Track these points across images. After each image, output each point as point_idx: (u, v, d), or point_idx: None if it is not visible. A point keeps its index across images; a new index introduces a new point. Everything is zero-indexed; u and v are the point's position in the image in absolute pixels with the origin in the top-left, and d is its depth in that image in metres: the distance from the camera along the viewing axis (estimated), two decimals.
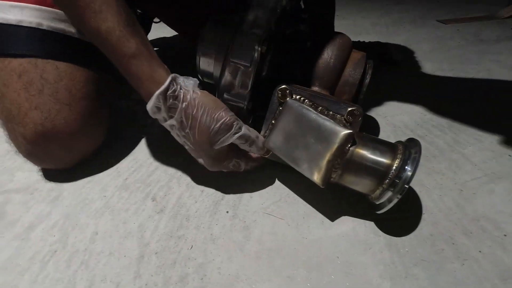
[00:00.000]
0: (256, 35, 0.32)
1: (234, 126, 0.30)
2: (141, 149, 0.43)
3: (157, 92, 0.28)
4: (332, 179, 0.29)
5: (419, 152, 0.27)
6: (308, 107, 0.30)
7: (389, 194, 0.27)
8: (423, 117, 0.47)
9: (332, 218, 0.31)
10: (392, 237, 0.29)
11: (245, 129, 0.31)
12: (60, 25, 0.36)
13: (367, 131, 0.43)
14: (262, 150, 0.33)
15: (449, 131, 0.43)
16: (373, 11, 1.10)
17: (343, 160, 0.28)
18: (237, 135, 0.31)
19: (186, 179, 0.37)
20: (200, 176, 0.37)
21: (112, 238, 0.30)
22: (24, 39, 0.34)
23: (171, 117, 0.30)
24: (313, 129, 0.29)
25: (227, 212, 0.33)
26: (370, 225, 0.31)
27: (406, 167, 0.26)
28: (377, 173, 0.27)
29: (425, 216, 0.31)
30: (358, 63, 0.36)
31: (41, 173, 0.39)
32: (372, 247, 0.28)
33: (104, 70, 0.39)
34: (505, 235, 0.29)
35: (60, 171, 0.39)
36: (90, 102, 0.37)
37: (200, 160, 0.34)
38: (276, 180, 0.36)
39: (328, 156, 0.28)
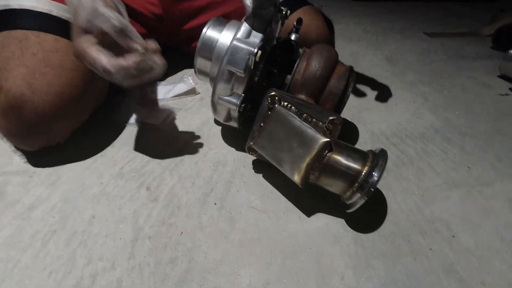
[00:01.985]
0: (251, 44, 0.35)
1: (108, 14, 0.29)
2: (136, 141, 0.46)
3: None
4: (310, 180, 0.33)
5: (385, 161, 0.31)
6: (293, 114, 0.34)
7: (358, 195, 0.31)
8: (399, 126, 0.52)
9: (309, 214, 0.35)
10: (359, 233, 0.33)
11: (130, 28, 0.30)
12: (67, 14, 0.38)
13: (347, 135, 0.47)
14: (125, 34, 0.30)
15: (419, 141, 0.48)
16: (365, 17, 1.14)
17: (320, 164, 0.32)
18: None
19: (178, 171, 0.41)
20: (192, 169, 0.41)
21: (108, 222, 0.33)
22: (33, 19, 0.37)
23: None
24: (297, 134, 0.32)
25: (215, 203, 0.36)
26: (341, 221, 0.35)
27: (374, 173, 0.30)
28: (349, 177, 0.31)
29: (389, 216, 0.36)
30: (342, 75, 0.39)
31: (38, 158, 0.41)
32: (341, 241, 0.33)
33: None
34: (453, 236, 0.33)
35: (57, 157, 0.41)
36: (76, 79, 0.38)
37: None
38: (261, 177, 0.40)
39: (307, 159, 0.31)
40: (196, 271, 0.29)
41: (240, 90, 0.37)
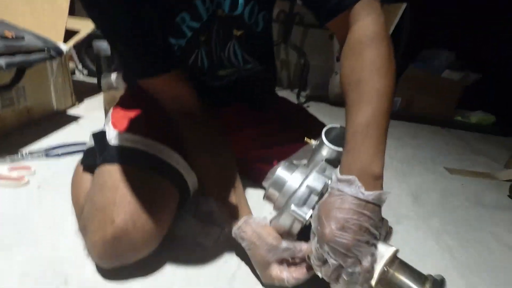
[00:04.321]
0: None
1: (280, 247, 0.42)
2: (188, 260, 0.51)
3: (234, 227, 0.46)
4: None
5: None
6: None
7: None
8: None
9: None
10: None
11: (287, 246, 0.42)
12: (169, 157, 0.48)
13: None
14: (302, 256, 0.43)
15: None
16: (391, 141, 1.26)
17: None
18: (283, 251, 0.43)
19: None
20: None
21: None
22: (142, 158, 0.47)
23: (243, 239, 0.45)
24: None
25: None
26: None
27: None
28: None
29: None
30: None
31: (101, 269, 0.46)
32: None
33: (187, 197, 0.49)
34: None
35: (114, 272, 0.46)
36: (169, 216, 0.47)
37: (257, 271, 0.46)
38: None
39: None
40: None
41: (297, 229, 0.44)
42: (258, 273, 0.47)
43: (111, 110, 0.57)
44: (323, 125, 0.67)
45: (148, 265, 0.48)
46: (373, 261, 0.36)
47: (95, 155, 0.49)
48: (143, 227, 0.43)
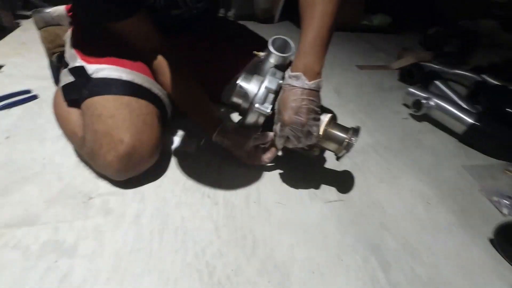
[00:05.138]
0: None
1: (252, 138, 0.59)
2: (183, 164, 0.65)
3: (214, 134, 0.57)
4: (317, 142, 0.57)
5: (358, 131, 0.57)
6: None
7: (344, 151, 0.57)
8: None
9: (311, 199, 0.61)
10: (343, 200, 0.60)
11: (256, 136, 0.60)
12: (147, 84, 0.56)
13: None
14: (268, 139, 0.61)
15: (362, 154, 0.77)
16: None
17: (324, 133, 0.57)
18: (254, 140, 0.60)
19: (223, 183, 0.62)
20: (231, 183, 0.62)
21: (195, 219, 0.53)
22: (127, 87, 0.54)
23: (222, 141, 0.58)
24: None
25: (254, 202, 0.59)
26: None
27: (353, 138, 0.56)
28: (341, 139, 0.57)
29: (352, 194, 0.63)
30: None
31: (121, 183, 0.57)
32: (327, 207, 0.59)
33: (165, 115, 0.60)
34: (383, 207, 0.63)
35: (134, 180, 0.58)
36: (157, 133, 0.57)
37: (241, 160, 0.63)
38: (277, 183, 0.64)
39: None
40: (258, 239, 0.52)
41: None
42: (242, 160, 0.64)
43: (70, 47, 0.58)
44: (263, 38, 0.81)
45: (153, 172, 0.60)
46: (318, 128, 0.55)
47: (77, 89, 0.53)
48: (147, 142, 0.53)
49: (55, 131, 0.65)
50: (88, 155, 0.54)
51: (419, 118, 0.98)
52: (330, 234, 0.55)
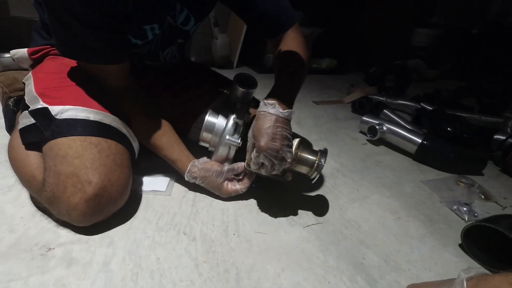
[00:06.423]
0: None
1: (224, 171, 0.60)
2: (154, 203, 0.61)
3: (186, 173, 0.57)
4: (289, 167, 0.59)
5: (326, 154, 0.59)
6: None
7: (316, 173, 0.58)
8: None
9: (291, 226, 0.60)
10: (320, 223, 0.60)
11: (229, 167, 0.61)
12: (115, 124, 0.55)
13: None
14: (243, 170, 0.63)
15: (331, 178, 0.81)
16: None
17: (296, 157, 0.58)
18: (227, 172, 0.61)
19: (199, 219, 0.59)
20: (207, 216, 0.60)
21: (171, 259, 0.49)
22: (94, 127, 0.52)
23: (195, 178, 0.59)
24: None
25: (234, 234, 0.57)
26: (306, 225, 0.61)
27: (322, 160, 0.58)
28: (311, 163, 0.59)
29: (329, 216, 0.64)
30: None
31: (86, 229, 0.52)
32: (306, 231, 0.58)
33: (133, 154, 0.59)
34: (359, 226, 0.64)
35: (100, 225, 0.53)
36: (129, 169, 0.55)
37: (217, 193, 0.63)
38: (254, 212, 0.63)
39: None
40: (241, 270, 0.49)
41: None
42: (217, 193, 0.63)
43: (32, 88, 0.55)
44: (225, 77, 0.86)
45: (122, 215, 0.56)
46: (291, 153, 0.57)
47: (38, 132, 0.50)
48: (117, 182, 0.51)
49: (6, 180, 0.58)
50: (48, 200, 0.49)
51: (375, 143, 1.07)
52: (313, 257, 0.55)
